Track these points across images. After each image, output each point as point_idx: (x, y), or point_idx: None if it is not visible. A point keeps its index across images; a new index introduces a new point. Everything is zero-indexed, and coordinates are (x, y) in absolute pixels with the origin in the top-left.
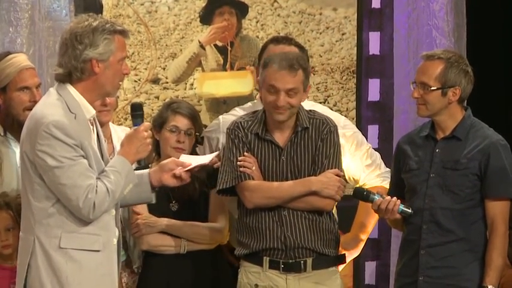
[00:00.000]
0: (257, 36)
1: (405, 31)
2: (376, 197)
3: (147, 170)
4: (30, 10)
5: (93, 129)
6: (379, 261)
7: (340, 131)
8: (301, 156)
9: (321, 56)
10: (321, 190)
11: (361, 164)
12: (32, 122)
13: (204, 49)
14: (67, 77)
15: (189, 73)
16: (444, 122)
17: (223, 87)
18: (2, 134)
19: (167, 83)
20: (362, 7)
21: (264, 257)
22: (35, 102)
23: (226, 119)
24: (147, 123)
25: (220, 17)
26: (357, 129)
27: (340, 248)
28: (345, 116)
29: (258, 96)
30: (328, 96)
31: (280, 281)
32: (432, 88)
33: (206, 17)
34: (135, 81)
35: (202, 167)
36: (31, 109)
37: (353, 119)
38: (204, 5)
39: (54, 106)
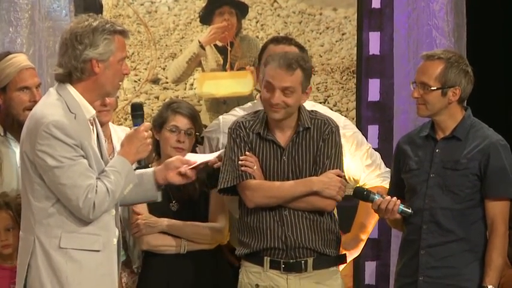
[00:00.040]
0: (257, 36)
1: (405, 31)
2: (376, 197)
3: (152, 169)
4: (30, 10)
5: (93, 129)
6: (379, 261)
7: (340, 131)
8: (303, 157)
9: (321, 56)
10: (322, 190)
11: (361, 164)
12: (32, 122)
13: (204, 49)
14: (67, 77)
15: (189, 73)
16: (444, 122)
17: (223, 87)
18: (2, 134)
19: (167, 83)
20: (362, 7)
21: (265, 257)
22: (35, 102)
23: (226, 119)
24: (147, 123)
25: (220, 17)
26: (357, 129)
27: (340, 248)
28: (345, 116)
29: (258, 97)
30: (328, 96)
31: (281, 281)
32: (432, 88)
33: (206, 17)
34: (135, 81)
35: (206, 164)
36: (31, 109)
37: (353, 119)
38: (204, 5)
39: (54, 106)
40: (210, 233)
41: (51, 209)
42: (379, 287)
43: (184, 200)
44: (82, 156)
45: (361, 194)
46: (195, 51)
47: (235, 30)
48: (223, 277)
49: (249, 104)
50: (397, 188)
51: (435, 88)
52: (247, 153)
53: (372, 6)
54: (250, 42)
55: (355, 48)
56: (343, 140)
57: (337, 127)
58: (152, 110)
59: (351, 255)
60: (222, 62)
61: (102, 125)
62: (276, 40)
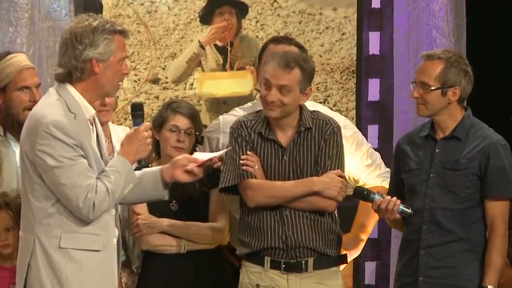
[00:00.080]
0: (257, 36)
1: (405, 31)
2: (376, 197)
3: (159, 167)
4: (30, 10)
5: (92, 129)
6: (379, 261)
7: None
8: (304, 157)
9: (321, 56)
10: (323, 190)
11: (361, 164)
12: (31, 122)
13: (204, 49)
14: (67, 77)
15: (189, 73)
16: (444, 122)
17: (223, 87)
18: (2, 134)
19: (167, 83)
20: (362, 7)
21: (266, 257)
22: (35, 102)
23: (226, 119)
24: (147, 123)
25: (220, 17)
26: (357, 129)
27: (341, 249)
28: (345, 116)
29: (258, 96)
30: (328, 96)
31: (282, 281)
32: (432, 88)
33: (206, 17)
34: (135, 81)
35: (210, 160)
36: (31, 109)
37: (353, 119)
38: (204, 5)
39: (54, 106)
40: (210, 233)
41: (51, 209)
42: (379, 287)
43: (184, 200)
44: (82, 156)
45: (361, 194)
46: (195, 51)
47: (235, 30)
48: (223, 277)
49: (249, 104)
50: (397, 188)
51: (435, 88)
52: (248, 152)
53: (372, 6)
54: (250, 42)
55: (355, 48)
56: (343, 140)
57: (338, 127)
58: (152, 110)
59: (351, 255)
60: (222, 61)
61: (101, 124)
62: (276, 40)
